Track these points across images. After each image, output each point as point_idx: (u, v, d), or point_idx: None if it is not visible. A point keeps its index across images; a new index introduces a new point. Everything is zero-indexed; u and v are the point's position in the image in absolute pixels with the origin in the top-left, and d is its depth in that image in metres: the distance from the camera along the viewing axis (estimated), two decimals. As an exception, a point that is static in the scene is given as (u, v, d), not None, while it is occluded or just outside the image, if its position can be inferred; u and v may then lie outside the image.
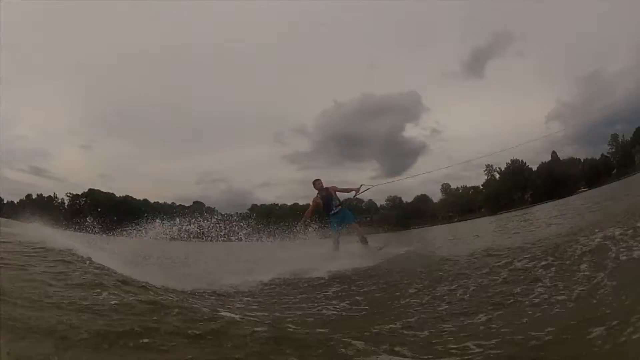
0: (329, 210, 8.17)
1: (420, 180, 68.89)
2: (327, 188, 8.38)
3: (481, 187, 57.74)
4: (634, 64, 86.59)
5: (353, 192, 8.59)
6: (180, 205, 67.82)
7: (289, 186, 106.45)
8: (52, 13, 77.62)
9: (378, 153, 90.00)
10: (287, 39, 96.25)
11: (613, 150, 61.91)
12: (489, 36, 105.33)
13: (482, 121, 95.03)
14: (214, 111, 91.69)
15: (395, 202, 57.54)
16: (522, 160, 55.14)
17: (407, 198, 61.44)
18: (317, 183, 8.45)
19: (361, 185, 8.65)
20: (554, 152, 59.51)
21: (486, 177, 56.86)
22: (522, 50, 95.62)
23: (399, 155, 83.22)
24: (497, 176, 56.88)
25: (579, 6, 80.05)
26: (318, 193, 8.34)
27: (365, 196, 57.37)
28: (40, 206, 57.99)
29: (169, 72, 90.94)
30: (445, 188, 61.14)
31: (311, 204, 8.38)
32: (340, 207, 8.26)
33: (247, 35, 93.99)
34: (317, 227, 8.65)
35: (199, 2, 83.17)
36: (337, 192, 8.38)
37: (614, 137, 62.05)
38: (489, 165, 55.51)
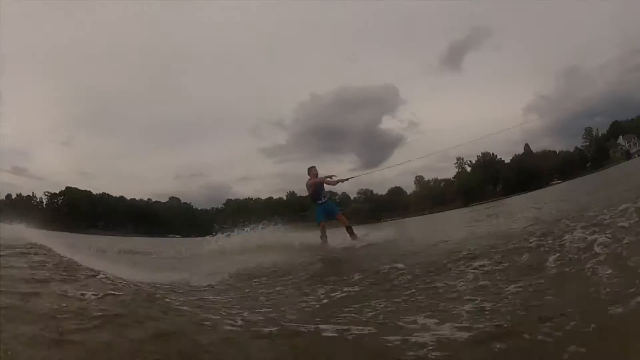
0: (317, 199, 8.36)
1: (396, 173, 68.56)
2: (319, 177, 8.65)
3: (452, 179, 57.48)
4: (612, 58, 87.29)
5: (334, 182, 8.86)
6: (156, 201, 66.98)
7: (267, 179, 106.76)
8: (30, 11, 75.66)
9: (356, 145, 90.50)
10: (265, 32, 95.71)
11: (587, 143, 62.12)
12: (467, 30, 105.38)
13: (459, 114, 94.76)
14: (191, 106, 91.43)
15: (367, 195, 57.04)
16: (492, 153, 55.14)
17: (382, 190, 61.16)
18: (312, 170, 8.61)
19: (347, 178, 9.21)
20: (526, 145, 59.65)
21: (457, 169, 56.65)
22: (500, 44, 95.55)
23: (377, 147, 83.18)
24: (469, 169, 56.69)
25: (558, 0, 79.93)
26: (311, 179, 8.52)
27: (339, 189, 57.09)
28: (20, 206, 56.81)
29: (146, 67, 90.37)
30: (419, 180, 60.88)
31: (313, 184, 8.44)
32: (327, 198, 8.55)
33: (224, 30, 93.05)
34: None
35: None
36: (325, 184, 8.65)
37: (588, 130, 62.37)
38: (459, 158, 55.40)
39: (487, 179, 54.28)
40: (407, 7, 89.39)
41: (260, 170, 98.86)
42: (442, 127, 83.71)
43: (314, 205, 8.33)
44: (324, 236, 7.89)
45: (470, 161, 56.67)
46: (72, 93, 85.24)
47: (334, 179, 8.75)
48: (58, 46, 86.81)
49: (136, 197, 66.38)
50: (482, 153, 54.72)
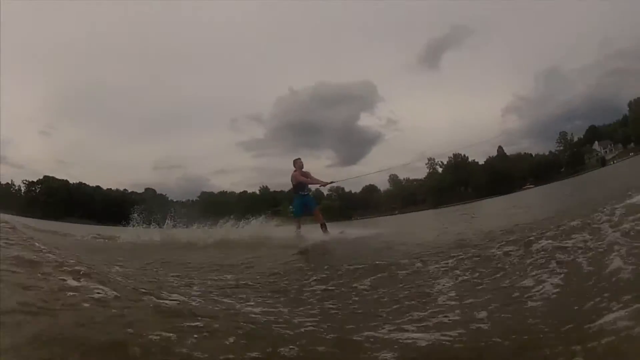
0: (300, 190, 8.72)
1: (374, 170, 68.41)
2: (305, 171, 8.97)
3: (424, 179, 57.49)
4: (593, 61, 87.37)
5: (321, 184, 9.35)
6: (132, 192, 67.18)
7: (245, 173, 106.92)
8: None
9: (334, 141, 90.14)
10: (244, 26, 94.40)
11: (561, 148, 62.16)
12: (446, 28, 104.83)
13: (437, 112, 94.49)
14: (170, 98, 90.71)
15: (339, 192, 56.79)
16: (464, 155, 54.99)
17: (356, 188, 61.10)
18: (297, 162, 8.90)
19: (331, 181, 9.75)
20: (500, 147, 59.64)
21: (428, 170, 56.59)
22: (480, 43, 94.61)
23: (355, 144, 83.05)
24: (440, 170, 56.66)
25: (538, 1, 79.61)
26: (298, 170, 8.80)
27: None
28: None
29: (126, 59, 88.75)
30: (393, 179, 60.64)
31: (298, 177, 8.75)
32: (308, 192, 8.96)
33: (204, 24, 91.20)
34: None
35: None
36: (310, 178, 8.96)
37: (563, 134, 62.43)
38: (430, 158, 55.27)
39: (458, 181, 54.25)
40: (386, 4, 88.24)
41: (238, 164, 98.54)
42: (421, 125, 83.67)
43: (295, 195, 8.73)
44: (299, 227, 8.42)
45: (441, 162, 56.78)
46: (52, 82, 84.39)
47: (321, 181, 9.16)
48: (39, 36, 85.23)
49: (113, 187, 66.78)
50: (453, 154, 54.76)
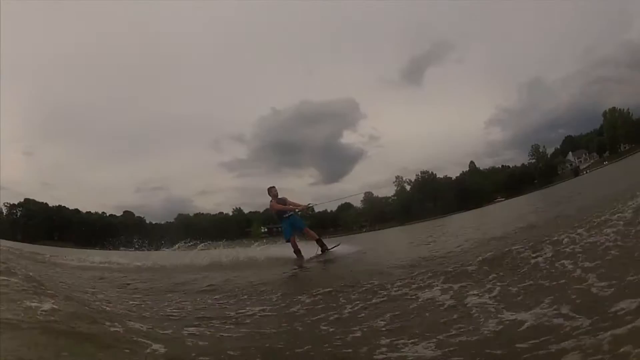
0: (283, 214, 8.64)
1: (356, 188, 68.96)
2: (281, 197, 8.97)
3: (393, 197, 58.05)
4: (575, 70, 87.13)
5: (300, 207, 9.14)
6: (111, 214, 68.16)
7: (228, 193, 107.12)
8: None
9: (316, 160, 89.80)
10: (225, 45, 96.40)
11: (534, 160, 62.23)
12: (427, 44, 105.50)
13: (420, 128, 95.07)
14: (151, 117, 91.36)
15: (312, 211, 57.74)
16: (432, 172, 55.48)
17: (332, 206, 61.84)
18: (272, 190, 8.89)
19: (309, 204, 9.75)
20: (471, 162, 60.15)
21: (396, 188, 57.15)
22: (462, 57, 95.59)
23: (337, 161, 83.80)
24: (408, 187, 57.23)
25: (519, 13, 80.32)
26: (273, 199, 8.81)
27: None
28: None
29: (109, 80, 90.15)
30: (367, 197, 61.11)
31: (274, 206, 8.78)
32: (291, 212, 8.76)
33: (184, 41, 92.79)
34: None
35: (137, 5, 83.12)
36: (287, 203, 8.90)
37: (535, 147, 62.43)
38: (398, 176, 55.90)
39: (426, 198, 54.74)
40: (367, 22, 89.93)
41: (221, 184, 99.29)
42: (403, 141, 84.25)
43: (280, 221, 8.66)
44: (297, 251, 8.16)
45: (409, 179, 57.29)
46: (35, 103, 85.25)
47: (296, 207, 8.96)
48: (21, 54, 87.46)
49: (96, 209, 67.49)
50: (421, 171, 55.35)
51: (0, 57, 58.05)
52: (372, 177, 68.43)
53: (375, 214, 56.36)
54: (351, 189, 74.06)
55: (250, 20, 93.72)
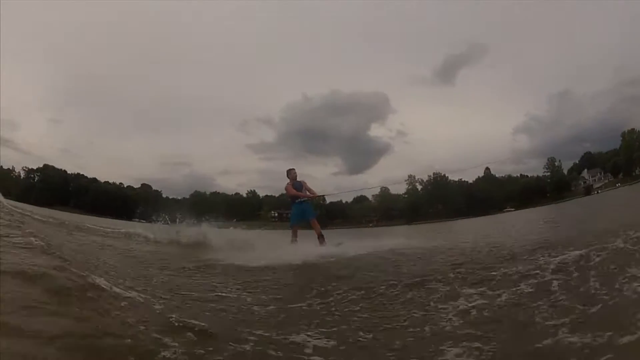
0: (296, 197, 8.52)
1: (377, 182, 68.91)
2: (300, 181, 8.83)
3: (404, 195, 58.55)
4: (605, 87, 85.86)
5: (313, 197, 8.98)
6: (129, 186, 69.83)
7: (250, 175, 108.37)
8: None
9: (342, 150, 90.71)
10: (263, 31, 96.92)
11: (548, 173, 62.12)
12: (463, 45, 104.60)
13: (448, 127, 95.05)
14: (183, 96, 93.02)
15: (321, 200, 58.79)
16: (444, 174, 55.85)
17: (348, 198, 62.87)
18: (291, 172, 8.76)
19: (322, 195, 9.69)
20: (487, 168, 60.07)
21: (408, 187, 57.71)
22: (495, 62, 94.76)
23: (363, 153, 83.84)
24: (419, 187, 57.76)
25: (555, 25, 79.26)
26: (290, 182, 8.67)
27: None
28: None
29: (143, 55, 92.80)
30: (383, 192, 61.66)
31: (289, 189, 8.62)
32: (305, 199, 8.65)
33: (221, 25, 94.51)
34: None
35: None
36: (305, 188, 8.72)
37: (551, 160, 62.26)
38: (410, 175, 56.41)
39: (435, 199, 55.27)
40: (405, 18, 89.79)
41: (245, 166, 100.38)
42: (430, 139, 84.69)
43: (293, 203, 8.54)
44: (294, 239, 8.18)
45: (421, 179, 58.06)
46: (66, 72, 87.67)
47: (311, 193, 8.78)
48: (57, 26, 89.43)
49: (114, 180, 69.25)
50: (433, 173, 55.78)
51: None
52: (394, 173, 69.05)
53: (384, 210, 57.11)
54: (373, 182, 74.64)
55: (289, 7, 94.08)
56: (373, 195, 60.62)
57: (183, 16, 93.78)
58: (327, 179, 70.06)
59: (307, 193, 8.73)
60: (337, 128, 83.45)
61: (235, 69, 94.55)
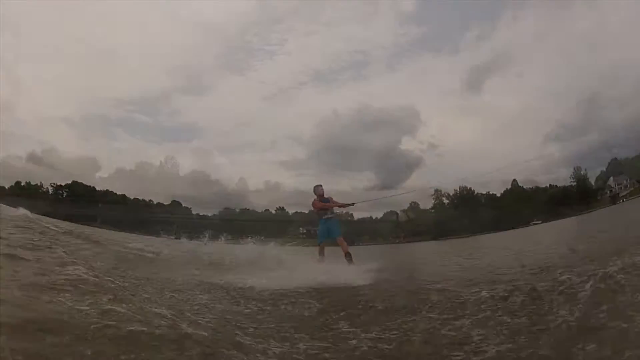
0: (323, 214, 8.61)
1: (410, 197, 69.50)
2: (327, 197, 8.95)
3: (431, 210, 58.96)
4: (631, 93, 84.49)
5: (342, 206, 9.17)
6: (158, 203, 71.00)
7: (280, 192, 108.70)
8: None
9: (373, 165, 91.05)
10: (289, 47, 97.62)
11: (574, 183, 61.62)
12: (489, 55, 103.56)
13: (478, 138, 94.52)
14: (210, 111, 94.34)
15: (346, 218, 59.63)
16: (470, 188, 56.12)
17: (378, 214, 63.22)
18: (318, 189, 8.90)
19: (351, 203, 9.52)
20: (514, 180, 59.99)
21: (434, 201, 58.10)
22: (523, 71, 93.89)
23: (395, 167, 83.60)
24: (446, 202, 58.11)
25: (582, 31, 78.47)
26: (318, 198, 8.79)
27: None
28: (28, 193, 62.24)
29: (176, 71, 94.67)
30: (413, 206, 61.41)
31: (316, 204, 8.77)
32: (333, 215, 8.78)
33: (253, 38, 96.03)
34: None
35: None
36: (332, 202, 8.84)
37: (578, 169, 61.73)
38: (437, 190, 56.71)
39: (463, 214, 55.53)
40: (431, 28, 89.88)
41: (276, 182, 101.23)
42: (462, 150, 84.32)
43: (320, 220, 8.60)
44: (321, 255, 8.29)
45: (447, 193, 58.54)
46: (96, 92, 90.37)
47: (337, 205, 8.93)
48: (89, 43, 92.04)
49: (144, 197, 70.63)
50: (459, 187, 56.12)
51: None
52: (427, 186, 69.71)
53: (411, 226, 57.60)
54: (405, 197, 74.85)
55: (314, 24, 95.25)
56: (401, 211, 61.11)
57: (210, 38, 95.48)
58: (360, 194, 69.71)
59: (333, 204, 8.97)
60: (367, 143, 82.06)
61: (264, 85, 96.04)
